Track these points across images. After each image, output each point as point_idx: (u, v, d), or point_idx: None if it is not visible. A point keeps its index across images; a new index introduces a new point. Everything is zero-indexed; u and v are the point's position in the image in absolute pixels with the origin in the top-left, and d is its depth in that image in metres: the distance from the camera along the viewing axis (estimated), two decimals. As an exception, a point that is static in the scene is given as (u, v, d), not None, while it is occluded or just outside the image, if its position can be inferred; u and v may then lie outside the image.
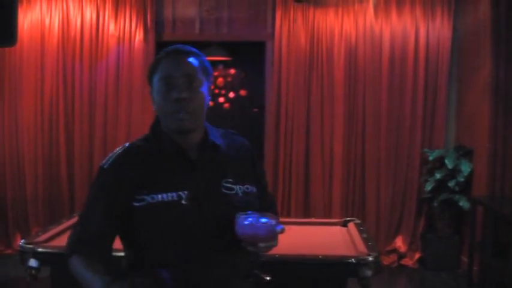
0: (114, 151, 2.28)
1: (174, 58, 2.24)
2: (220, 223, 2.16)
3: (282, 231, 2.12)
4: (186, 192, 2.15)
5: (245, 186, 2.30)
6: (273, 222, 2.09)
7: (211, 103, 8.41)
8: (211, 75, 2.32)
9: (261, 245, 2.08)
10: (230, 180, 2.26)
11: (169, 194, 2.13)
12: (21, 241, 4.19)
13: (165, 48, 2.29)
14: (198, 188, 2.18)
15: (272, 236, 2.09)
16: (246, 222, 2.07)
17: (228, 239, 2.15)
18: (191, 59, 2.24)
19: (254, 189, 2.34)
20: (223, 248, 2.18)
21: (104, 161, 2.25)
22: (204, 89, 2.23)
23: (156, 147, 2.25)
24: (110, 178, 2.20)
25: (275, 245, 2.13)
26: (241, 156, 2.39)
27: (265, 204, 2.40)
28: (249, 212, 2.12)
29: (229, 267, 2.20)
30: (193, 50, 2.29)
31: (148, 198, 2.12)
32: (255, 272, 2.28)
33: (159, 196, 2.12)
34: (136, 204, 2.12)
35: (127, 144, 2.31)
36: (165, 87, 2.18)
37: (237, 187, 2.26)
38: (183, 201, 2.13)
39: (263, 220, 2.08)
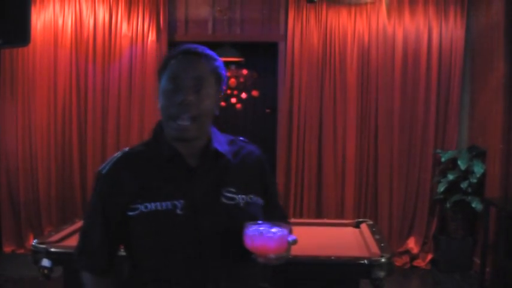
0: (113, 156, 2.17)
1: (185, 58, 2.08)
2: (220, 234, 2.02)
3: (295, 242, 2.01)
4: (181, 201, 2.01)
5: (249, 196, 2.13)
6: (285, 232, 1.96)
7: (223, 103, 8.43)
8: (223, 82, 2.16)
9: (271, 256, 1.93)
10: (232, 189, 2.10)
11: (163, 203, 2.01)
12: (34, 241, 4.20)
13: (179, 46, 2.13)
14: (195, 197, 2.04)
15: (283, 247, 1.95)
16: (255, 233, 1.93)
17: (231, 251, 2.03)
18: (204, 61, 2.08)
19: (260, 201, 2.18)
20: (225, 261, 2.04)
21: (102, 166, 2.15)
22: (213, 96, 2.08)
23: (155, 152, 2.12)
24: (106, 185, 2.10)
25: (287, 257, 2.00)
26: (247, 164, 2.22)
27: (274, 217, 2.17)
28: (260, 222, 1.98)
29: (232, 281, 2.07)
30: (209, 52, 2.13)
31: (141, 207, 2.01)
32: (265, 286, 2.15)
33: (153, 205, 2.00)
34: (130, 213, 2.02)
35: (126, 149, 2.19)
36: (172, 88, 2.03)
37: (239, 197, 2.10)
38: (178, 211, 2.00)
39: (273, 230, 1.94)
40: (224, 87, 2.18)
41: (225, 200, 2.07)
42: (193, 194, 2.04)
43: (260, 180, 2.24)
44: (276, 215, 2.26)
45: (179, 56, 2.08)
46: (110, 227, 2.08)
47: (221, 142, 2.18)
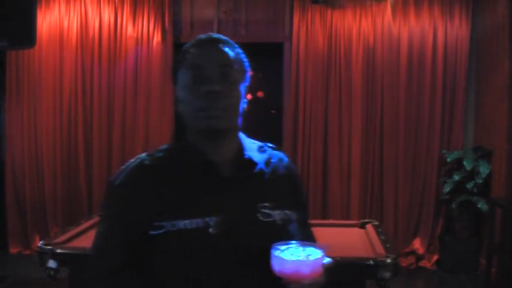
0: (127, 163, 1.88)
1: (206, 46, 1.85)
2: (255, 256, 1.73)
3: (331, 265, 1.71)
4: (214, 218, 1.74)
5: (284, 212, 1.86)
6: (319, 255, 1.68)
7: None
8: (247, 72, 1.93)
9: (305, 283, 1.65)
10: (267, 204, 1.83)
11: (193, 221, 1.73)
12: (40, 242, 4.22)
13: (195, 37, 1.91)
14: (229, 213, 1.76)
15: (318, 273, 1.67)
16: (284, 257, 1.65)
17: (262, 275, 1.71)
18: (226, 48, 1.86)
19: (294, 216, 1.90)
20: (258, 286, 1.78)
21: (114, 176, 1.87)
22: (241, 86, 1.86)
23: (180, 160, 1.85)
24: (121, 200, 1.82)
25: (322, 282, 1.70)
26: (279, 175, 1.96)
27: (301, 235, 1.91)
28: (288, 243, 1.71)
29: None
30: (229, 40, 1.91)
31: (168, 226, 1.72)
32: None
33: (181, 223, 1.72)
34: (153, 232, 1.73)
35: (142, 155, 1.89)
36: (194, 79, 1.79)
37: (275, 213, 1.83)
38: (211, 230, 1.73)
39: (306, 253, 1.67)
40: (248, 77, 1.95)
41: (262, 217, 1.81)
42: (228, 210, 1.78)
43: (292, 193, 1.99)
44: (304, 233, 1.98)
45: (199, 44, 1.87)
46: (130, 250, 1.78)
47: (252, 149, 1.94)
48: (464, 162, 6.89)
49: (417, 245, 7.43)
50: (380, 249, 4.10)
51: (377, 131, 7.46)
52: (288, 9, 7.58)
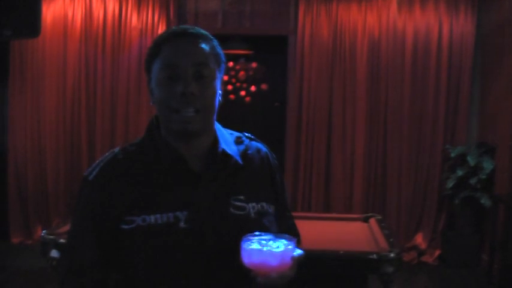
0: (102, 157, 1.88)
1: (180, 42, 1.80)
2: (228, 250, 1.72)
3: (300, 258, 1.69)
4: (185, 212, 1.74)
5: (260, 204, 1.86)
6: (289, 246, 1.65)
7: (231, 96, 8.41)
8: (223, 64, 1.89)
9: (273, 275, 1.62)
10: (241, 197, 1.83)
11: (164, 215, 1.73)
12: (43, 232, 4.21)
13: (169, 29, 1.88)
14: (200, 207, 1.76)
15: (286, 265, 1.64)
16: (253, 248, 1.63)
17: (236, 269, 1.69)
18: (202, 44, 1.82)
19: (271, 209, 1.90)
20: (230, 281, 1.77)
21: (88, 170, 1.86)
22: (216, 82, 1.82)
23: (151, 155, 1.83)
24: (95, 194, 1.80)
25: (291, 275, 1.69)
26: (256, 166, 1.94)
27: (282, 226, 1.94)
28: (260, 234, 1.69)
29: None
30: (204, 32, 1.87)
31: (138, 220, 1.72)
32: None
33: (152, 218, 1.72)
34: (124, 226, 1.74)
35: (116, 149, 1.90)
36: (169, 78, 1.77)
37: (249, 206, 1.83)
38: (181, 224, 1.73)
39: (275, 245, 1.65)
40: (224, 68, 1.91)
41: (234, 210, 1.81)
42: (199, 204, 1.77)
43: (270, 184, 1.97)
44: (285, 223, 2.00)
45: (173, 39, 1.82)
46: (103, 244, 1.79)
47: (228, 141, 1.91)
48: (468, 158, 6.88)
49: (419, 240, 7.42)
50: (383, 243, 4.10)
51: (381, 125, 7.45)
52: (293, 1, 7.57)
